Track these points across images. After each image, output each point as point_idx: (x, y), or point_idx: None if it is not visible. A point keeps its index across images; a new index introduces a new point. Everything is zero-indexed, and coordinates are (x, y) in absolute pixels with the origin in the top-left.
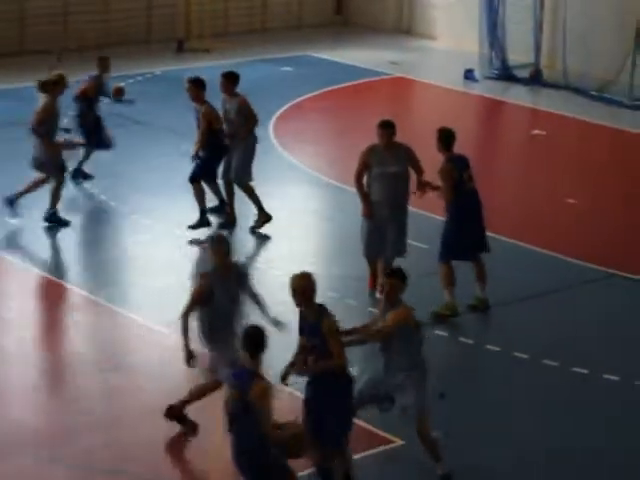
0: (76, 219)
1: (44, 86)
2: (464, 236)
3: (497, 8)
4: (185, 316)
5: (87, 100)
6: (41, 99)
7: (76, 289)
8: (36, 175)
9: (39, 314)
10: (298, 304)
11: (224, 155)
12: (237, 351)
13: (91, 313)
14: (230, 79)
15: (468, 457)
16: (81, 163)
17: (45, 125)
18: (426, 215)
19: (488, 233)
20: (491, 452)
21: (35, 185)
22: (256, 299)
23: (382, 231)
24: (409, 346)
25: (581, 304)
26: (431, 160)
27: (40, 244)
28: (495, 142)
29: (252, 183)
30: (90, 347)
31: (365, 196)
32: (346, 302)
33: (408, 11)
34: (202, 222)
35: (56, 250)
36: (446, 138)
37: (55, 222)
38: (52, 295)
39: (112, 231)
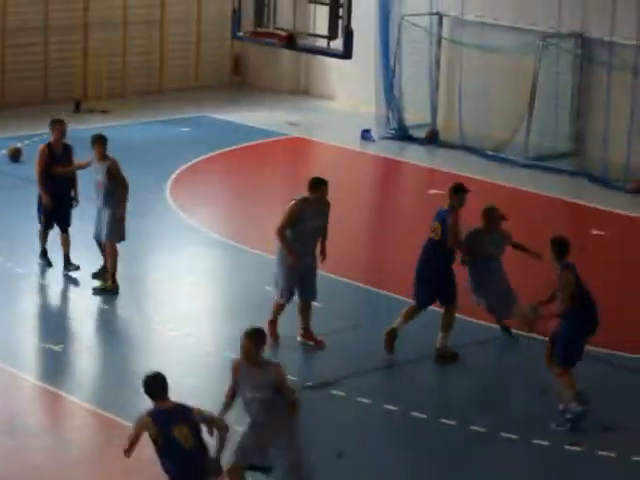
0: None
1: None
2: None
3: (393, 68)
4: None
5: None
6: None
7: None
8: None
9: None
10: None
11: None
12: None
13: None
14: (101, 142)
15: None
16: None
17: None
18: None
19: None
20: None
21: None
22: None
23: (300, 278)
24: None
25: (476, 363)
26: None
27: None
28: (392, 202)
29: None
30: None
31: (290, 246)
32: None
33: (305, 72)
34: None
35: None
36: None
37: None
38: None
39: (8, 292)
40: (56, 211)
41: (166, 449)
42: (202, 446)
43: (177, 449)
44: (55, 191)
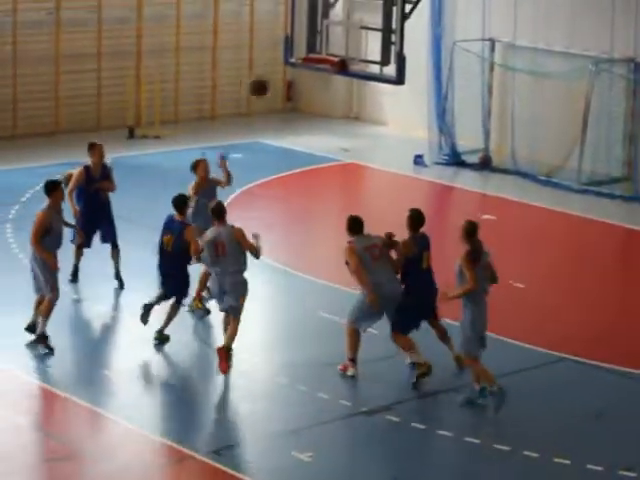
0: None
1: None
2: (416, 310)
3: (445, 94)
4: None
5: None
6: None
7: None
8: None
9: None
10: None
11: None
12: None
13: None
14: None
15: None
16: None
17: None
18: None
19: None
20: None
21: None
22: None
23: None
24: None
25: (530, 388)
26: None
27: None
28: (445, 227)
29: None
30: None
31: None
32: (296, 388)
33: (357, 97)
34: None
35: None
36: (412, 219)
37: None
38: None
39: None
40: (95, 226)
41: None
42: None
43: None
44: (92, 207)
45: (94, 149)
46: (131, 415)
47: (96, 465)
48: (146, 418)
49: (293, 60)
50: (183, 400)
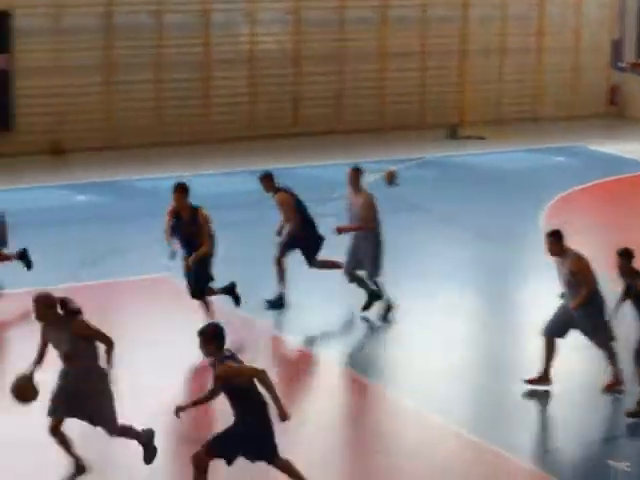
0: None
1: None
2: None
3: None
4: None
5: None
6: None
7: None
8: None
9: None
10: None
11: None
12: None
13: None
14: (357, 174)
15: None
16: None
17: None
18: None
19: None
20: None
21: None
22: None
23: None
24: None
25: None
26: None
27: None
28: None
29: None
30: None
31: None
32: (616, 397)
33: None
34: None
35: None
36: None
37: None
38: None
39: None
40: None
41: None
42: None
43: None
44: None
45: (176, 192)
46: (447, 412)
47: (411, 461)
48: (462, 417)
49: (622, 64)
50: (499, 403)
